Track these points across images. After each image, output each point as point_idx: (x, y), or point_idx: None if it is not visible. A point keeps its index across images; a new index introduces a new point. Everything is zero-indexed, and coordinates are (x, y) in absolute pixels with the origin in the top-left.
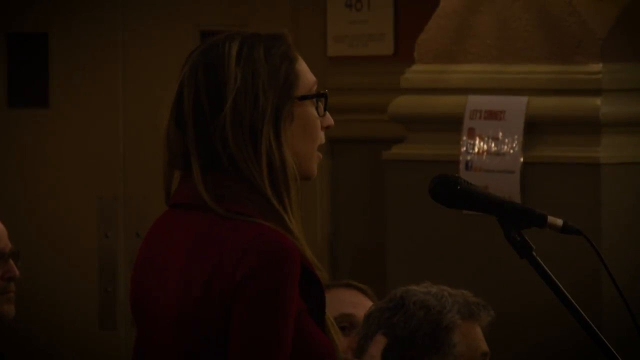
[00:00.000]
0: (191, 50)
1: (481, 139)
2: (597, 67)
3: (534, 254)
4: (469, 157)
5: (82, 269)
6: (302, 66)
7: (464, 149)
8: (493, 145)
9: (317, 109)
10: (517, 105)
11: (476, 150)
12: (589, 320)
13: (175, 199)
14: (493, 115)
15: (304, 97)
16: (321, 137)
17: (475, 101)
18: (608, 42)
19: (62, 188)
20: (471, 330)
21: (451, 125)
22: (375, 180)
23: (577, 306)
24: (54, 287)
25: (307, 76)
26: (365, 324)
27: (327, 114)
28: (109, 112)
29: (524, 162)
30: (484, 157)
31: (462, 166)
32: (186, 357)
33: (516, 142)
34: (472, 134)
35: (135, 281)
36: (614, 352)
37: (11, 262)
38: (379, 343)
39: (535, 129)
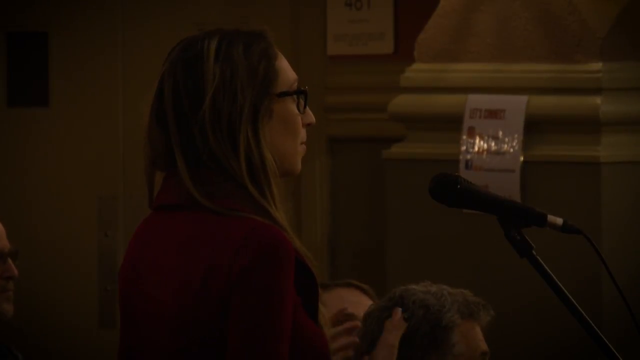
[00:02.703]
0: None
1: (481, 138)
2: (597, 66)
3: (534, 253)
4: (469, 156)
5: (82, 268)
6: (283, 63)
7: (464, 148)
8: (493, 144)
9: (297, 105)
10: (517, 104)
11: (476, 149)
12: (589, 319)
13: (161, 200)
14: (493, 114)
15: (283, 94)
16: (303, 134)
17: (475, 100)
18: (608, 41)
19: (62, 187)
20: (471, 330)
21: (451, 124)
22: (375, 180)
23: (578, 306)
24: (54, 286)
25: (287, 73)
26: (365, 324)
27: (308, 111)
28: (109, 112)
29: (524, 161)
30: (484, 156)
31: (462, 165)
32: (182, 357)
33: (516, 141)
34: (472, 133)
35: (125, 282)
36: (615, 352)
37: (10, 261)
38: (397, 329)
39: (535, 128)
